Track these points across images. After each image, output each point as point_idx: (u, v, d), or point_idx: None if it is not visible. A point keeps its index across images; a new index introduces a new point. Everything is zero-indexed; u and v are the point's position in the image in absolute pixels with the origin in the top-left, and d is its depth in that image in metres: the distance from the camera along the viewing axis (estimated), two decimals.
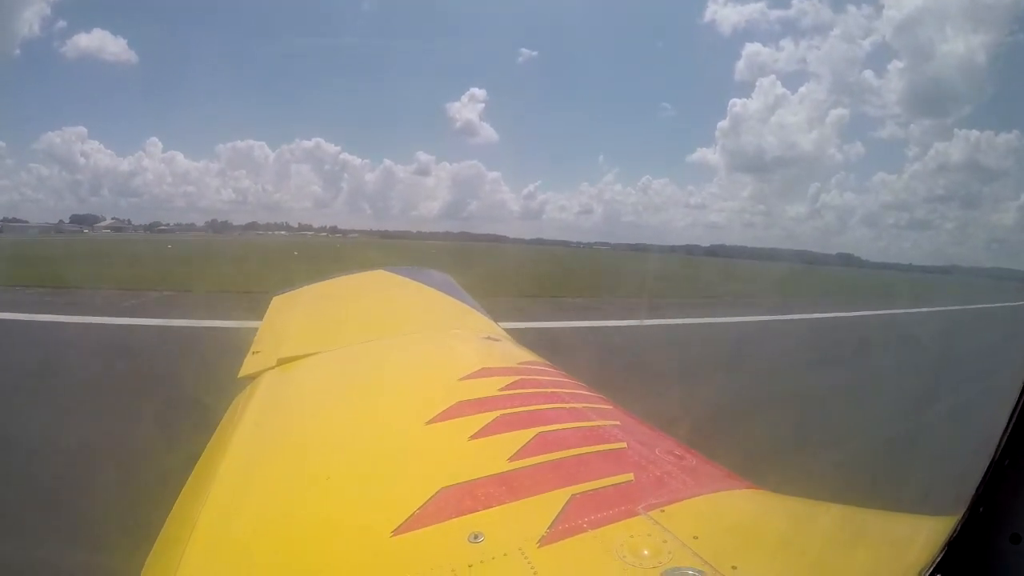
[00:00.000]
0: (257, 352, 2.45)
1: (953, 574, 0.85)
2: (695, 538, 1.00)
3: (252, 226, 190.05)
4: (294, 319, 3.21)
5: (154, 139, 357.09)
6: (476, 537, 1.02)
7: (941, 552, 0.86)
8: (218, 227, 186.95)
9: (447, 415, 1.53)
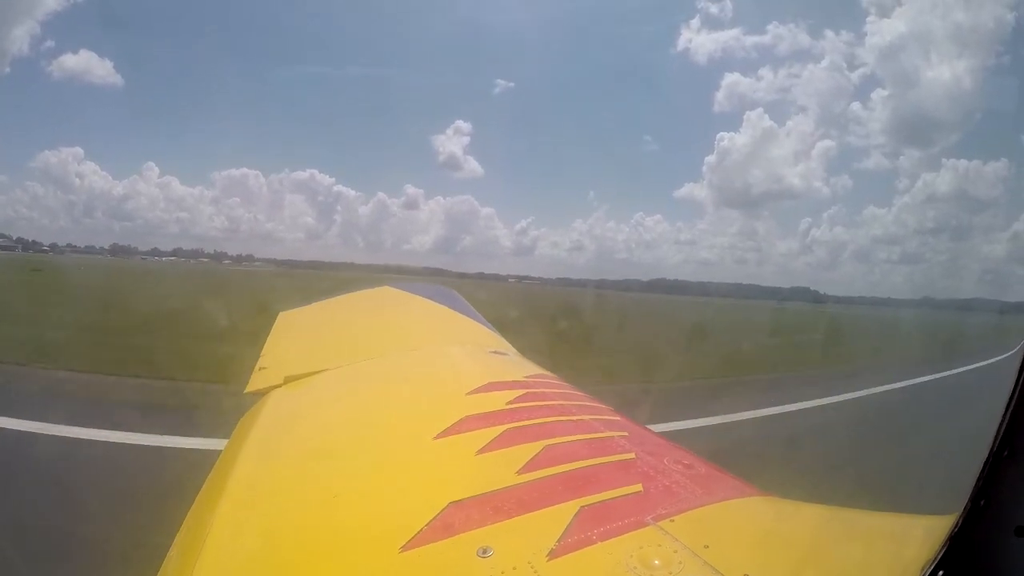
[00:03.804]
0: (264, 368, 2.42)
1: (956, 569, 0.84)
2: (706, 547, 0.99)
3: (154, 251, 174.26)
4: (300, 336, 3.20)
5: (151, 164, 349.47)
6: (485, 551, 1.01)
7: (943, 548, 0.85)
8: (117, 251, 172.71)
9: (454, 430, 1.52)
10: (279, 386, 2.18)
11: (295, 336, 3.19)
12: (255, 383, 2.26)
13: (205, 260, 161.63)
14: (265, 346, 2.87)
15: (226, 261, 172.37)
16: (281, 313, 3.56)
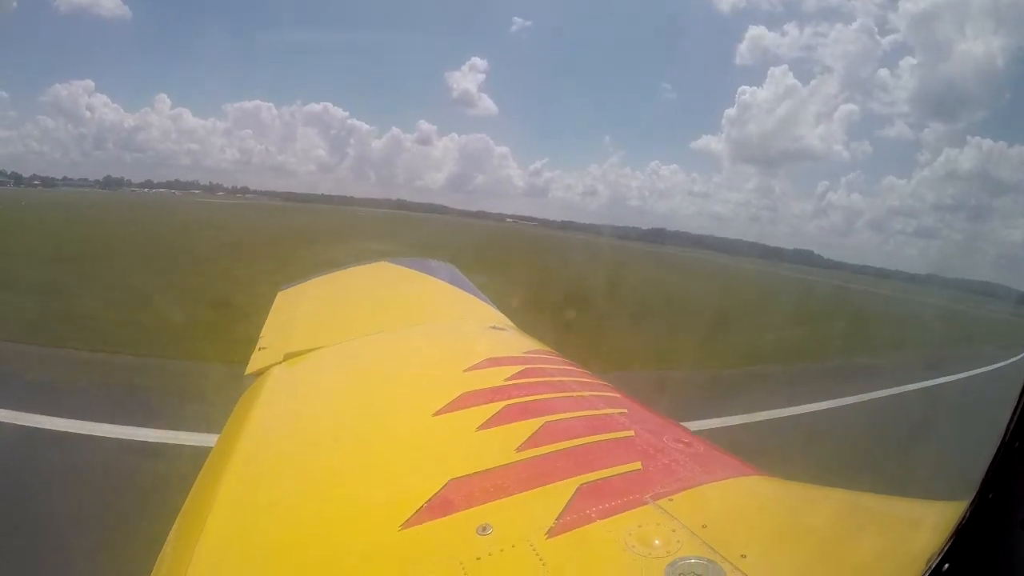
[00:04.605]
0: (263, 348, 2.38)
1: (962, 561, 0.83)
2: (704, 527, 0.99)
3: (147, 183, 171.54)
4: (299, 313, 3.16)
5: (162, 95, 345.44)
6: (484, 529, 1.01)
7: (950, 539, 0.84)
8: (110, 183, 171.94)
9: (454, 406, 1.51)
10: (279, 363, 2.13)
11: (293, 314, 3.11)
12: (255, 363, 2.19)
13: (197, 192, 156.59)
14: (265, 326, 2.77)
15: (220, 193, 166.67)
16: (280, 292, 3.49)
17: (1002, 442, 0.80)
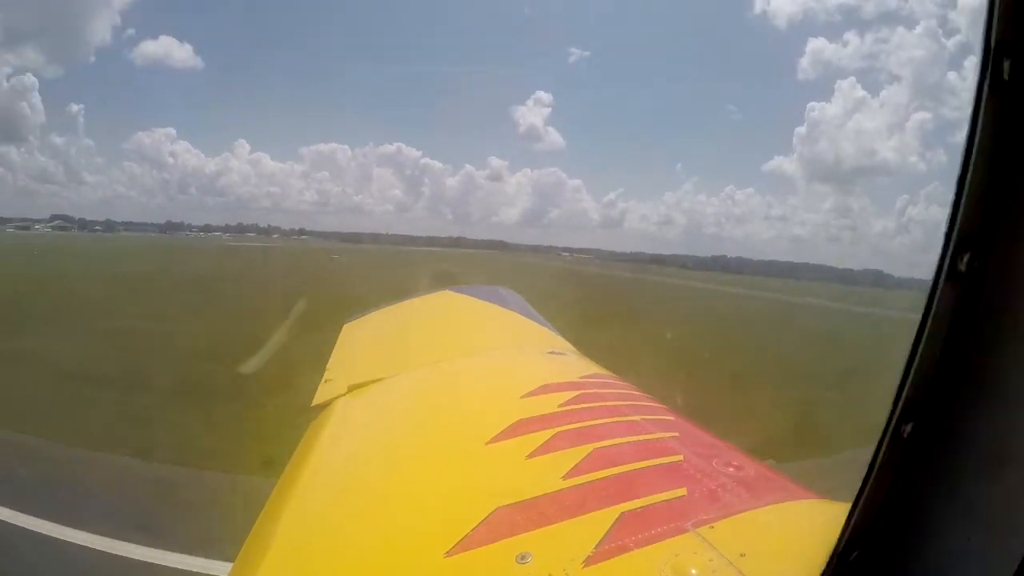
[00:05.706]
0: (329, 380, 2.45)
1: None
2: (742, 555, 0.97)
3: (207, 227, 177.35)
4: (363, 345, 3.25)
5: (242, 141, 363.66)
6: (524, 557, 1.02)
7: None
8: (170, 227, 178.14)
9: (508, 434, 1.54)
10: (343, 395, 2.21)
11: (358, 346, 3.19)
12: (321, 396, 2.28)
13: (251, 235, 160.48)
14: (331, 359, 2.84)
15: (275, 236, 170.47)
16: (346, 324, 3.56)
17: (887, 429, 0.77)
